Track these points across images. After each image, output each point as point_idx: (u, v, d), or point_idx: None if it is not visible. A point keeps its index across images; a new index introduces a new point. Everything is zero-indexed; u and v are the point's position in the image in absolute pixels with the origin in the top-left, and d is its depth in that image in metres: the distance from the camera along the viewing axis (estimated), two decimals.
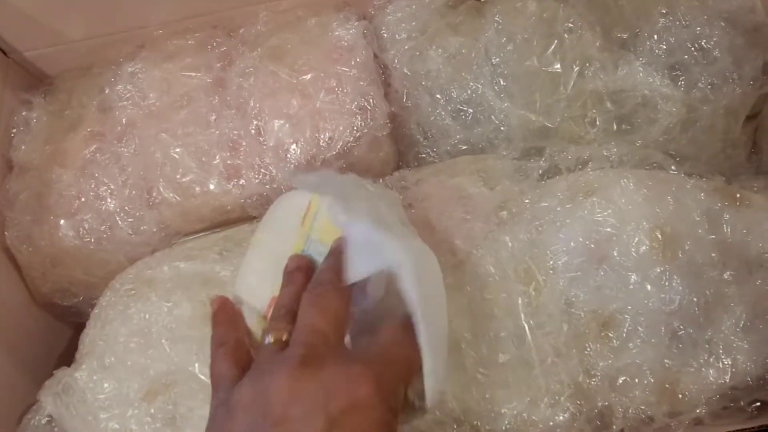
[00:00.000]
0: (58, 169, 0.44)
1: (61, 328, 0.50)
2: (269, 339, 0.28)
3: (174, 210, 0.43)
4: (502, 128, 0.42)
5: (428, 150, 0.45)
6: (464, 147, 0.43)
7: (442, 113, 0.43)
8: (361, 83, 0.42)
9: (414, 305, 0.27)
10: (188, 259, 0.40)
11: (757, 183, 0.39)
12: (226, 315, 0.32)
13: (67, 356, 0.47)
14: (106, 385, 0.36)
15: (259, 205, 0.43)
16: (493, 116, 0.42)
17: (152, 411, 0.35)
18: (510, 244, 0.35)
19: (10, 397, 0.43)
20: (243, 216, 0.44)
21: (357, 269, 0.28)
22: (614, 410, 0.34)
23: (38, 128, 0.46)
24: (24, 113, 0.47)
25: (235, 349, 0.30)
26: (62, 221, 0.43)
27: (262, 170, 0.42)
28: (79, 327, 0.50)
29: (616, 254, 0.34)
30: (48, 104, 0.48)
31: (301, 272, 0.30)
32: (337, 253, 0.30)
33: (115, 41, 0.49)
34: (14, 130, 0.47)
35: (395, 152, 0.46)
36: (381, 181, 0.41)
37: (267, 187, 0.42)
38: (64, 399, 0.36)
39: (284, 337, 0.28)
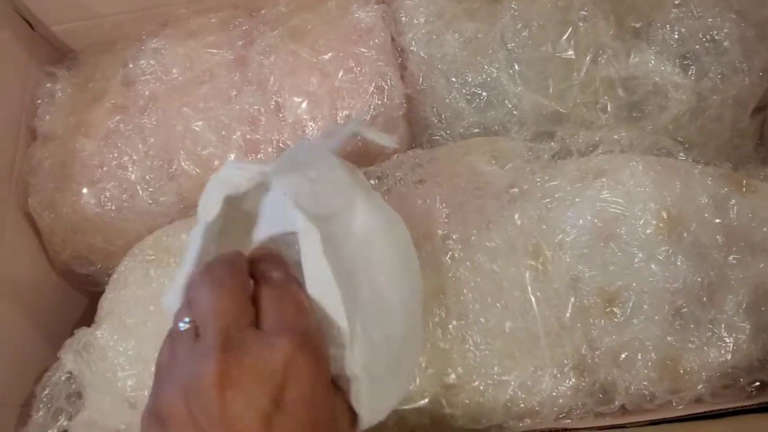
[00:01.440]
0: (82, 138, 0.45)
1: (77, 296, 0.52)
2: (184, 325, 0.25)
3: (193, 182, 0.44)
4: (515, 112, 0.43)
5: (442, 132, 0.46)
6: (477, 130, 0.44)
7: (457, 96, 0.44)
8: (380, 64, 0.43)
9: (306, 280, 0.26)
10: None
11: (764, 172, 0.40)
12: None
13: (82, 323, 0.49)
14: (125, 344, 0.37)
15: None
16: (506, 100, 0.43)
17: None
18: (519, 221, 0.36)
19: (28, 359, 0.45)
20: None
21: (259, 231, 0.28)
22: (617, 385, 0.35)
23: (62, 100, 0.48)
24: (48, 85, 0.49)
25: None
26: (85, 189, 0.44)
27: (280, 145, 0.43)
28: (94, 296, 0.51)
29: (623, 233, 0.35)
30: (72, 77, 0.49)
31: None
32: None
33: (138, 18, 0.50)
34: (39, 101, 0.48)
35: (409, 133, 0.47)
36: (395, 158, 0.42)
37: None
38: (84, 356, 0.37)
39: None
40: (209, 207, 0.28)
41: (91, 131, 0.45)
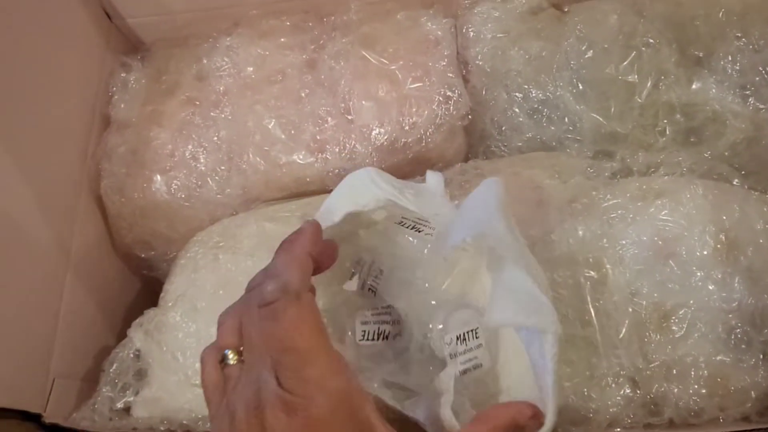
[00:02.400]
0: (156, 128, 0.47)
1: (133, 279, 0.54)
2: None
3: (259, 176, 0.46)
4: (574, 130, 0.45)
5: (499, 145, 0.47)
6: (535, 145, 0.46)
7: (518, 111, 0.46)
8: (449, 75, 0.45)
9: (544, 381, 0.28)
10: (272, 221, 0.43)
11: None
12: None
13: (137, 305, 0.51)
14: (195, 326, 0.39)
15: (339, 179, 0.45)
16: (566, 117, 0.45)
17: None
18: (581, 233, 0.38)
19: (88, 336, 0.46)
20: (321, 188, 0.47)
21: (502, 313, 0.29)
22: (667, 398, 0.36)
23: (136, 89, 0.50)
24: (123, 74, 0.51)
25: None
26: (156, 176, 0.46)
27: (347, 146, 0.45)
28: (148, 280, 0.53)
29: (682, 252, 0.37)
30: (145, 68, 0.51)
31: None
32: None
33: (210, 17, 0.53)
34: (113, 89, 0.50)
35: (467, 144, 0.49)
36: (458, 166, 0.44)
37: (348, 162, 0.45)
38: (155, 336, 0.39)
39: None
40: (329, 213, 0.30)
41: (165, 121, 0.47)
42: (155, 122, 0.47)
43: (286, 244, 0.28)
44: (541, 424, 0.28)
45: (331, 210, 0.31)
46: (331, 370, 0.24)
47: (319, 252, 0.28)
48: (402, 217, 0.34)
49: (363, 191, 0.32)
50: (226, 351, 0.26)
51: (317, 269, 0.29)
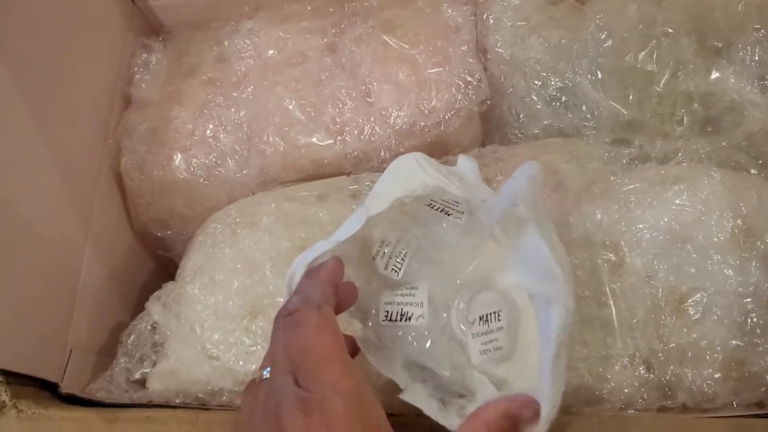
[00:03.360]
0: (177, 107, 0.48)
1: (147, 258, 0.54)
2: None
3: (278, 157, 0.46)
4: (591, 118, 0.45)
5: (516, 132, 0.48)
6: (552, 132, 0.46)
7: (536, 98, 0.46)
8: (469, 60, 0.45)
9: (544, 357, 0.29)
10: (290, 200, 0.44)
11: None
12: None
13: (151, 283, 0.51)
14: (213, 299, 0.39)
15: (357, 161, 0.46)
16: (584, 105, 0.45)
17: (253, 327, 0.38)
18: (599, 216, 0.38)
19: (103, 311, 0.47)
20: (338, 170, 0.47)
21: (515, 276, 0.31)
22: (681, 381, 0.36)
23: (157, 70, 0.50)
24: (144, 56, 0.52)
25: None
26: (176, 154, 0.47)
27: (366, 129, 0.45)
28: (162, 260, 0.54)
29: (699, 237, 0.37)
30: (166, 50, 0.52)
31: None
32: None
33: (233, 1, 0.53)
34: (135, 69, 0.51)
35: (483, 131, 0.49)
36: (477, 150, 0.44)
37: (367, 145, 0.46)
38: (173, 308, 0.40)
39: None
40: (377, 198, 0.31)
41: (185, 101, 0.48)
42: (176, 101, 0.48)
43: (310, 271, 0.30)
44: (537, 412, 0.28)
45: (380, 195, 0.31)
46: (345, 374, 0.26)
47: (341, 286, 0.30)
48: (431, 200, 0.34)
49: (411, 177, 0.32)
50: (263, 371, 0.27)
51: (338, 307, 0.30)
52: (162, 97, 0.49)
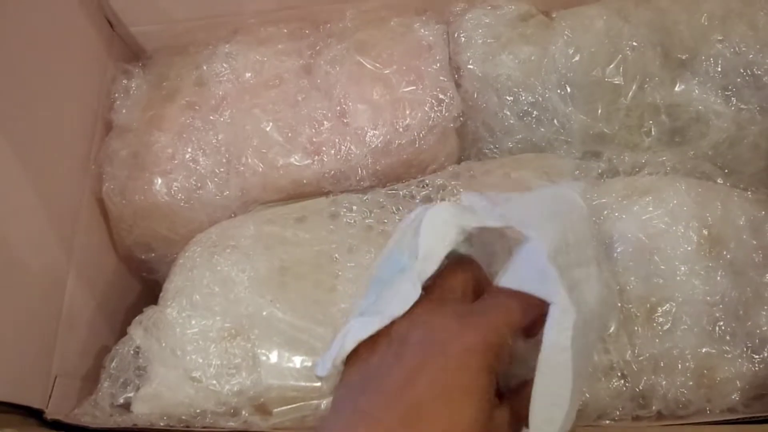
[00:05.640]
0: (156, 132, 0.48)
1: (132, 281, 0.55)
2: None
3: (257, 178, 0.47)
4: (563, 131, 0.46)
5: (491, 146, 0.49)
6: (526, 146, 0.47)
7: (508, 113, 0.47)
8: (441, 79, 0.46)
9: (541, 356, 0.26)
10: (270, 223, 0.44)
11: None
12: None
13: (137, 307, 0.52)
14: (193, 322, 0.40)
15: (335, 180, 0.47)
16: (555, 119, 0.46)
17: (233, 349, 0.39)
18: None
19: (88, 336, 0.47)
20: (317, 190, 0.48)
21: (509, 278, 0.28)
22: (655, 390, 0.37)
23: (138, 95, 0.51)
24: (124, 81, 0.52)
25: None
26: (157, 178, 0.47)
27: (342, 148, 0.46)
28: (147, 282, 0.54)
29: (666, 248, 0.38)
30: (146, 75, 0.53)
31: None
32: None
33: (210, 25, 0.54)
34: (115, 95, 0.52)
35: (459, 146, 0.50)
36: (451, 168, 0.45)
37: (344, 164, 0.46)
38: (154, 333, 0.40)
39: None
40: (427, 264, 0.28)
41: (165, 125, 0.49)
42: (156, 126, 0.49)
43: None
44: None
45: (428, 258, 0.29)
46: None
47: None
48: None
49: (449, 228, 0.29)
50: None
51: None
52: (142, 122, 0.49)
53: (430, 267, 0.29)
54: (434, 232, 0.29)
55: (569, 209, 0.30)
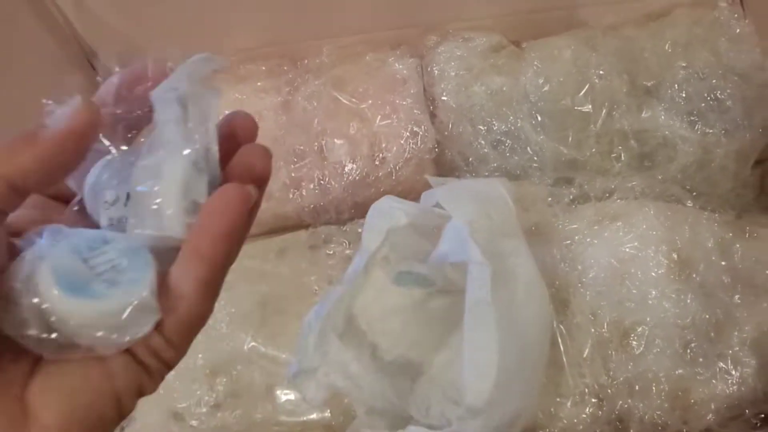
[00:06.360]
0: None
1: None
2: None
3: None
4: (536, 158, 0.47)
5: (468, 175, 0.50)
6: (501, 174, 0.49)
7: (483, 142, 0.49)
8: (415, 112, 0.47)
9: (466, 314, 0.29)
10: (250, 257, 0.45)
11: (765, 219, 0.44)
12: None
13: None
14: None
15: (315, 214, 0.48)
16: (528, 147, 0.47)
17: (216, 386, 0.39)
18: (543, 258, 0.40)
19: None
20: (298, 223, 0.49)
21: (437, 254, 0.32)
22: (632, 414, 0.38)
23: None
24: None
25: None
26: None
27: (321, 182, 0.47)
28: None
29: (638, 272, 0.39)
30: None
31: None
32: None
33: None
34: None
35: (437, 175, 0.51)
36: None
37: (323, 198, 0.47)
38: None
39: None
40: (372, 236, 0.34)
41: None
42: None
43: None
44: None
45: (372, 231, 0.35)
46: None
47: None
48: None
49: (393, 211, 0.36)
50: None
51: None
52: None
53: (375, 239, 0.34)
54: (379, 214, 0.35)
55: (493, 194, 0.35)
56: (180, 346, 0.19)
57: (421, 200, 0.38)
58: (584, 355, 0.38)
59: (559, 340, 0.38)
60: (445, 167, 0.51)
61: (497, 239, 0.32)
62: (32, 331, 0.17)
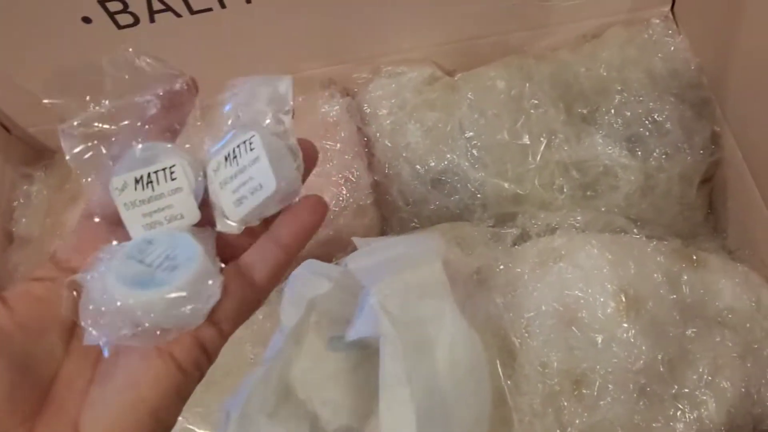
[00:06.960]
0: (58, 241, 0.46)
1: None
2: None
3: None
4: (477, 195, 0.45)
5: (410, 215, 0.48)
6: (442, 213, 0.47)
7: (422, 182, 0.47)
8: (346, 157, 0.45)
9: (380, 393, 0.27)
10: None
11: (713, 243, 0.42)
12: None
13: None
14: None
15: None
16: (468, 184, 0.45)
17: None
18: (487, 308, 0.38)
19: None
20: None
21: (353, 330, 0.30)
22: None
23: (38, 201, 0.49)
24: (25, 187, 0.50)
25: None
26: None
27: None
28: None
29: (584, 316, 0.37)
30: (48, 178, 0.51)
31: None
32: None
33: (118, 116, 0.52)
34: (15, 203, 0.49)
35: (379, 218, 0.49)
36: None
37: None
38: None
39: None
40: (290, 311, 0.32)
41: (67, 233, 0.46)
42: (57, 234, 0.46)
43: None
44: None
45: (294, 304, 0.33)
46: None
47: None
48: None
49: (313, 280, 0.33)
50: None
51: None
52: (43, 231, 0.47)
53: (296, 314, 0.32)
54: (289, 296, 0.33)
55: (416, 254, 0.33)
56: (228, 333, 0.22)
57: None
58: (535, 410, 0.36)
59: (508, 395, 0.36)
60: (387, 208, 0.49)
61: (414, 305, 0.30)
62: (125, 331, 0.20)
